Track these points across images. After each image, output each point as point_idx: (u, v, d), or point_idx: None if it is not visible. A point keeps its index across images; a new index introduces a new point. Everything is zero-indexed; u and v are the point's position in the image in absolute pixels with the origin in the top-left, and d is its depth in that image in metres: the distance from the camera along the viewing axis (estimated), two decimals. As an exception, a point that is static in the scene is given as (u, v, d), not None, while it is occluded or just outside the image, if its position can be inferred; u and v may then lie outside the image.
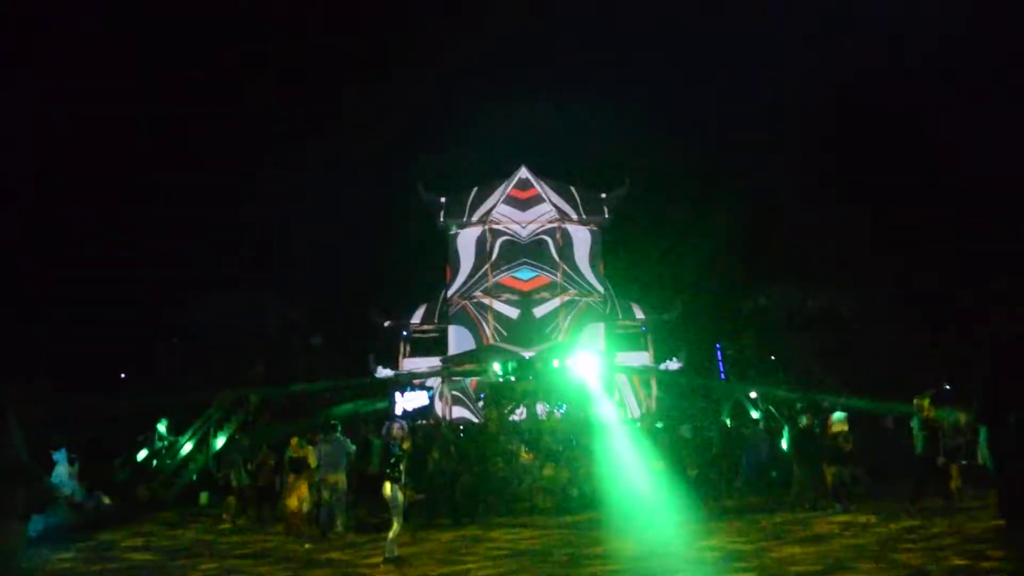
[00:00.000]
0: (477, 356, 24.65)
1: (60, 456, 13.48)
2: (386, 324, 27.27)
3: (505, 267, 27.28)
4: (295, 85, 30.48)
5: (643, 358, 26.63)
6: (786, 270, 27.85)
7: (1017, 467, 6.22)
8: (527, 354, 23.58)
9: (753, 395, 21.86)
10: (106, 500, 14.17)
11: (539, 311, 26.87)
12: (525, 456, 16.43)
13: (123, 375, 24.92)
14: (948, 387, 22.44)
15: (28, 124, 24.08)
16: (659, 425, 17.92)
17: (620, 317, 27.71)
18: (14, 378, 20.99)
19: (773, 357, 27.84)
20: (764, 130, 27.65)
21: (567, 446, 17.15)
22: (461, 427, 21.54)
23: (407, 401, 22.50)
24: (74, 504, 13.71)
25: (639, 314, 27.52)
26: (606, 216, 27.60)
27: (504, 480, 15.87)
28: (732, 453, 17.80)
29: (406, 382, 24.33)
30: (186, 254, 23.55)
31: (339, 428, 13.09)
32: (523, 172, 27.68)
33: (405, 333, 27.73)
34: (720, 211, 27.58)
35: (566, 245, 27.64)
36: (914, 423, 12.09)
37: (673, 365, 25.97)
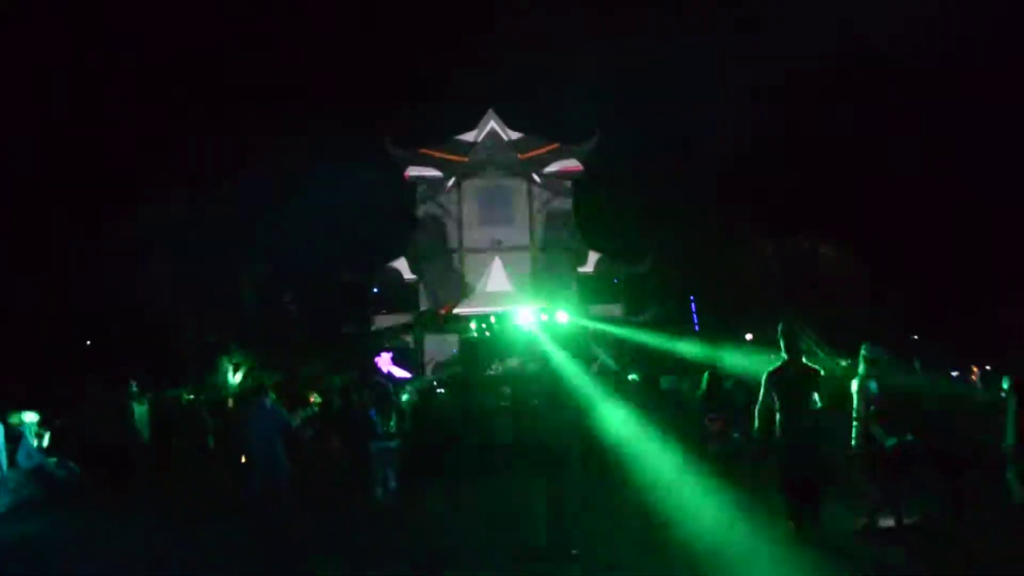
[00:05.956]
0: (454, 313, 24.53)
1: (29, 426, 12.96)
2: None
3: (477, 225, 27.03)
4: (260, 46, 29.12)
5: (615, 311, 26.64)
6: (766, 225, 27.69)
7: None
8: (502, 309, 23.42)
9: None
10: (78, 470, 13.70)
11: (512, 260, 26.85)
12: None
13: (88, 342, 24.19)
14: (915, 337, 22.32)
15: (27, 125, 22.92)
16: (633, 377, 17.92)
17: (592, 269, 27.63)
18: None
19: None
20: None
21: (547, 400, 17.03)
22: (435, 383, 21.37)
23: (385, 364, 22.09)
24: (45, 476, 13.27)
25: (611, 266, 27.51)
26: (578, 167, 27.33)
27: (485, 435, 15.70)
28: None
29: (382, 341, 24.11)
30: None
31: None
32: (492, 123, 27.13)
33: (376, 290, 27.41)
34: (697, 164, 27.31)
35: (537, 197, 27.38)
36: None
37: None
